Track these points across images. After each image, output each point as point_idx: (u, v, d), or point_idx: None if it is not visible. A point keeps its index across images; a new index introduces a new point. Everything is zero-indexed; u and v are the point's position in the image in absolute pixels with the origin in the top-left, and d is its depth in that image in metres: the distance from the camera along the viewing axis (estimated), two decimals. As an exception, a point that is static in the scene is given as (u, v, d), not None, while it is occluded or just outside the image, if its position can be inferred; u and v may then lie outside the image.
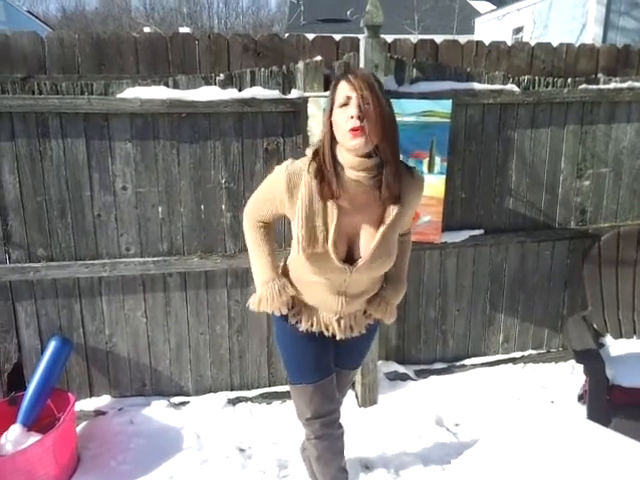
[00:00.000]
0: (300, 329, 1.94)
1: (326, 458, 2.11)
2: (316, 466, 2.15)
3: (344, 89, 1.63)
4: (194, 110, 2.72)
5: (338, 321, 1.91)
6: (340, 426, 2.11)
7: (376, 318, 2.01)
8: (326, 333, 1.94)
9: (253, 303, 1.92)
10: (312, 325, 1.93)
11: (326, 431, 2.04)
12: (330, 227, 1.71)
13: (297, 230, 1.72)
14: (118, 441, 2.78)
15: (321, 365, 2.00)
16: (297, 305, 1.96)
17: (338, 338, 1.94)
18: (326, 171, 1.68)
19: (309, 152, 1.75)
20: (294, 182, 1.73)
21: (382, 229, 1.74)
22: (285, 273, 1.97)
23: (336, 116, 1.64)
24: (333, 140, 1.67)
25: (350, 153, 1.65)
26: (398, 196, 1.73)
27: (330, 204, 1.70)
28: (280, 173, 1.76)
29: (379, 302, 1.96)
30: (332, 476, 2.15)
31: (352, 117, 1.58)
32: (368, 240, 1.76)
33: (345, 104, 1.62)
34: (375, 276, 1.90)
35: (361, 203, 1.74)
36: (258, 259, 1.94)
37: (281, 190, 1.75)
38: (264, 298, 1.88)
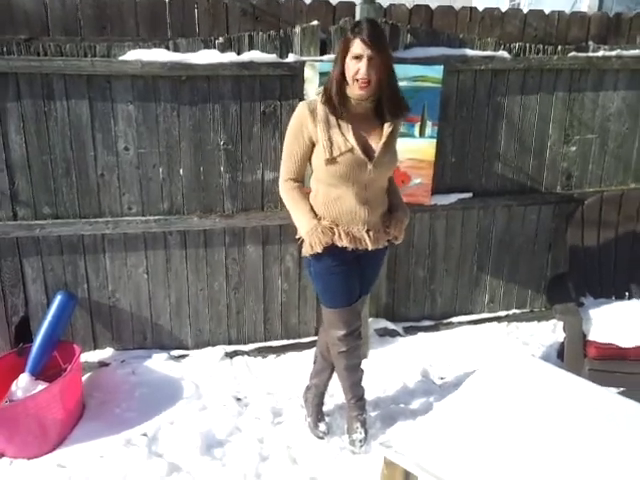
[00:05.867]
0: (340, 245, 2.27)
1: (353, 364, 2.54)
2: (344, 374, 2.56)
3: (358, 47, 2.06)
4: (194, 73, 2.78)
5: (368, 232, 2.28)
6: (361, 336, 2.54)
7: (390, 238, 2.41)
8: (360, 247, 2.30)
9: (306, 250, 2.30)
10: (350, 241, 2.27)
11: (354, 343, 2.48)
12: (347, 133, 2.17)
13: (323, 140, 2.16)
14: (121, 390, 2.92)
15: (352, 290, 2.42)
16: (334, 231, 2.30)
17: (370, 249, 2.30)
18: (334, 98, 2.15)
19: (320, 90, 2.26)
20: (313, 106, 2.21)
21: (386, 130, 2.23)
22: (315, 214, 2.31)
23: (349, 63, 2.10)
24: (343, 77, 2.14)
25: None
26: (395, 115, 2.24)
27: (342, 120, 2.18)
28: (300, 105, 2.26)
29: (396, 221, 2.38)
30: (358, 377, 2.60)
31: (361, 71, 2.05)
32: (376, 142, 2.22)
33: (357, 57, 2.06)
34: (384, 180, 2.34)
35: (364, 119, 2.22)
36: (300, 214, 2.30)
37: (304, 115, 2.20)
38: (314, 242, 2.24)
